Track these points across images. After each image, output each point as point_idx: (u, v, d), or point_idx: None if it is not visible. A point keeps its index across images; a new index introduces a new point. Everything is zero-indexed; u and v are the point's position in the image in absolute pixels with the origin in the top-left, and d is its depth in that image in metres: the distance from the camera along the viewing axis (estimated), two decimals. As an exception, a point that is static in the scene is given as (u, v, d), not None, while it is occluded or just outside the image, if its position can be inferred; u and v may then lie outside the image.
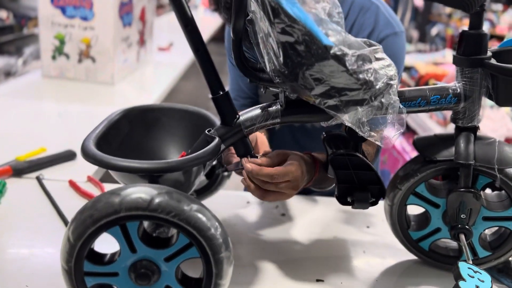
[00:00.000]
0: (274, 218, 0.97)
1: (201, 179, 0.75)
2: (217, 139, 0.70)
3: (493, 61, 0.68)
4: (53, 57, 1.80)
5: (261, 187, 0.73)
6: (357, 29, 0.98)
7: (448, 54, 3.20)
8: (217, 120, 0.79)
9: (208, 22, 4.12)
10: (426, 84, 2.71)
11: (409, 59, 2.93)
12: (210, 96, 0.70)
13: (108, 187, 1.01)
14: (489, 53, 0.68)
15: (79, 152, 1.12)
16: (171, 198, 0.55)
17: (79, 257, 0.57)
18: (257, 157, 0.75)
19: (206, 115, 0.83)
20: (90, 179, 1.05)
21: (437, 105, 0.71)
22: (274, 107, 0.71)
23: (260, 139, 0.86)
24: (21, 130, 1.33)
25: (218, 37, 4.57)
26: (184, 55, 2.55)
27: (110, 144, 0.72)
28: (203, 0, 5.18)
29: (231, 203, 1.02)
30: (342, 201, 0.73)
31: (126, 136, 0.78)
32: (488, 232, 0.82)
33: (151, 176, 0.64)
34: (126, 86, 1.88)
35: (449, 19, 4.67)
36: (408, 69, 2.79)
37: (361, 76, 0.59)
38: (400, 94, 0.69)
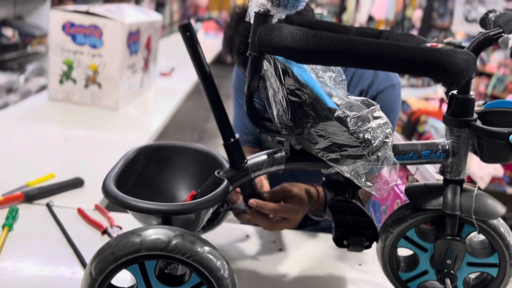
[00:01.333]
0: (271, 253, 1.02)
1: (208, 217, 0.81)
2: (226, 182, 0.76)
3: (478, 122, 0.76)
4: (61, 81, 1.86)
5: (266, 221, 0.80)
6: (357, 80, 1.06)
7: (439, 90, 3.32)
8: (223, 159, 0.86)
9: (208, 46, 4.23)
10: (418, 119, 2.81)
11: (402, 94, 3.04)
12: (222, 142, 0.77)
13: (114, 215, 1.06)
14: (475, 115, 0.76)
15: (86, 180, 1.17)
16: (186, 240, 0.61)
17: (99, 291, 0.62)
18: (262, 197, 0.82)
19: (213, 155, 0.90)
20: (97, 207, 1.10)
21: (428, 159, 0.78)
22: (279, 154, 0.78)
23: (263, 182, 0.93)
24: (29, 154, 1.38)
25: (217, 60, 4.67)
26: (185, 80, 2.63)
27: (127, 182, 0.78)
28: (204, 24, 5.31)
29: (231, 236, 1.07)
30: (339, 243, 0.80)
31: (140, 173, 0.84)
32: (472, 276, 0.88)
33: (165, 216, 0.69)
34: (130, 111, 1.94)
35: (441, 54, 4.82)
36: (400, 103, 2.89)
37: (360, 135, 0.66)
38: (394, 148, 0.76)
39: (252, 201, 0.79)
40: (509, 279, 0.83)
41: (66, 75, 1.85)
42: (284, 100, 0.68)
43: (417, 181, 1.08)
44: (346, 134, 0.66)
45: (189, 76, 2.72)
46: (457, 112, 0.76)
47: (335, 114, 0.64)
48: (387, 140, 0.70)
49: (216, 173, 0.78)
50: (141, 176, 0.84)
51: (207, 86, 0.72)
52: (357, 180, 0.71)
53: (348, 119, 0.65)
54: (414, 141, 0.79)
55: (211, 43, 4.36)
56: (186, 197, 0.81)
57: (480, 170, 2.09)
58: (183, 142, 0.93)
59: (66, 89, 1.87)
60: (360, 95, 1.10)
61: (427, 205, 0.81)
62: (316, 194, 0.88)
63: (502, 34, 0.68)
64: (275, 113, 0.72)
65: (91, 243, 0.94)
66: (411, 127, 2.64)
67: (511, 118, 0.77)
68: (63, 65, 1.84)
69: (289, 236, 1.09)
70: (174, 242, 0.60)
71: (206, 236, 1.00)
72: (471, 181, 1.00)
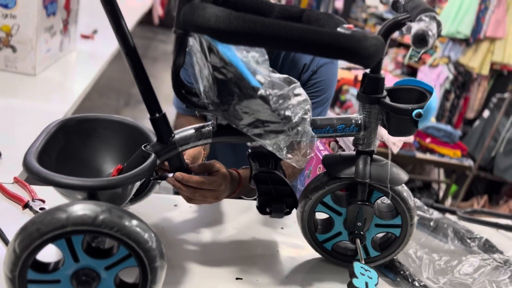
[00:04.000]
0: (200, 221, 1.06)
1: (135, 189, 0.82)
2: (153, 156, 0.78)
3: (387, 99, 0.83)
4: (-32, 43, 1.71)
5: (190, 193, 0.83)
6: (300, 54, 1.11)
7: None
8: (150, 133, 0.87)
9: (135, 6, 4.04)
10: (340, 88, 2.95)
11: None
12: (149, 117, 0.78)
13: (36, 189, 1.04)
14: (384, 93, 0.83)
15: (3, 151, 1.12)
16: (113, 215, 0.63)
17: (24, 267, 0.62)
18: (189, 171, 0.84)
19: (140, 128, 0.90)
20: (17, 180, 1.06)
21: (342, 132, 0.85)
22: (206, 129, 0.80)
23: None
24: None
25: (144, 21, 4.49)
26: (109, 42, 2.51)
27: (49, 157, 0.76)
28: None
29: (160, 205, 1.09)
30: (262, 210, 0.85)
31: (64, 147, 0.83)
32: (378, 236, 0.99)
33: (91, 191, 0.70)
34: (49, 76, 1.84)
35: (365, 24, 5.02)
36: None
37: (281, 112, 0.71)
38: (313, 122, 0.82)
39: (178, 174, 0.81)
40: (410, 238, 0.94)
41: (-26, 36, 1.70)
42: (210, 77, 0.71)
43: (339, 146, 1.16)
44: (269, 112, 0.70)
45: (113, 38, 2.59)
46: (369, 90, 0.83)
47: (258, 93, 0.68)
48: (306, 116, 0.75)
49: (143, 147, 0.79)
50: (65, 150, 0.83)
51: (132, 60, 0.72)
52: (278, 152, 0.76)
53: (270, 97, 0.69)
54: (330, 116, 0.85)
55: (138, 4, 4.17)
56: (112, 171, 0.81)
57: (393, 137, 2.27)
58: (108, 115, 0.92)
59: (-25, 52, 1.72)
60: (303, 69, 1.15)
61: (341, 174, 0.89)
62: (238, 176, 0.94)
63: (409, 20, 0.74)
64: (201, 89, 0.74)
65: (12, 219, 0.91)
66: (334, 96, 2.77)
67: (416, 95, 0.85)
68: (-29, 25, 1.69)
69: (218, 205, 1.13)
70: (101, 217, 0.62)
71: (134, 207, 1.02)
72: (385, 146, 1.10)
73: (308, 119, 0.76)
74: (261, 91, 0.68)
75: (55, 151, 0.80)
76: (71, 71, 2.09)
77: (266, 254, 0.99)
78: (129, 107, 4.06)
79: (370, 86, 0.82)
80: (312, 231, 0.96)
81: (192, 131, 0.80)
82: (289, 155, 0.78)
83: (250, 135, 0.74)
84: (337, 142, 1.38)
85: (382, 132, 0.88)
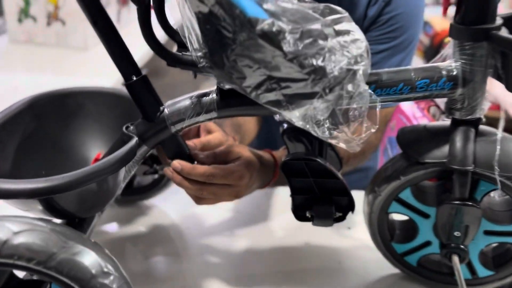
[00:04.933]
0: (233, 220, 0.81)
1: (126, 181, 0.60)
2: (134, 140, 0.54)
3: (504, 32, 0.49)
4: (19, 20, 1.62)
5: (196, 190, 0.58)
6: None
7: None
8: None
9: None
10: (442, 42, 2.46)
11: (424, 13, 2.66)
12: (123, 82, 0.54)
13: None
14: (498, 21, 0.49)
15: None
16: (36, 239, 0.40)
17: None
18: (193, 160, 0.59)
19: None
20: None
21: (426, 92, 0.53)
22: (208, 98, 0.54)
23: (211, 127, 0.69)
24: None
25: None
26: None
27: (5, 148, 0.57)
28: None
29: (182, 200, 0.86)
30: (299, 215, 0.58)
31: (34, 133, 0.63)
32: (491, 247, 0.65)
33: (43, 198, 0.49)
34: (102, 51, 1.70)
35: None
36: (422, 24, 2.53)
37: (306, 61, 0.42)
38: (375, 79, 0.52)
39: (176, 163, 0.56)
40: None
41: (25, 12, 1.61)
42: (191, 12, 0.44)
43: (442, 112, 0.82)
44: (284, 62, 0.42)
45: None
46: (471, 17, 0.49)
47: (258, 27, 0.39)
48: (355, 68, 0.45)
49: (124, 128, 0.56)
50: (36, 137, 0.63)
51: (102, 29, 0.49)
52: (313, 129, 0.47)
53: (282, 35, 0.40)
54: (404, 67, 0.53)
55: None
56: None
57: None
58: (100, 87, 0.70)
59: (27, 29, 1.64)
60: (370, 1, 0.81)
61: (426, 158, 0.57)
62: (273, 161, 0.65)
63: None
64: (186, 34, 0.48)
65: None
66: (434, 51, 2.29)
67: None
68: (19, 1, 1.60)
69: (256, 195, 0.87)
70: (15, 242, 0.39)
71: (150, 202, 0.80)
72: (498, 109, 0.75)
73: (361, 72, 0.46)
74: (263, 25, 0.39)
75: (16, 138, 0.60)
76: (129, 44, 1.94)
77: (323, 268, 0.71)
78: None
79: (474, 11, 0.49)
80: (386, 240, 0.66)
81: (188, 101, 0.54)
82: (335, 133, 0.49)
83: (263, 103, 0.46)
84: (438, 106, 1.03)
85: (494, 88, 0.54)
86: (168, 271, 0.69)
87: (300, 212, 0.57)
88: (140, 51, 1.77)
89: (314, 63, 0.42)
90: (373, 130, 0.49)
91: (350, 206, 0.57)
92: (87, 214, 0.57)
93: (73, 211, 0.54)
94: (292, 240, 0.76)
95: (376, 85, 0.52)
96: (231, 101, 0.52)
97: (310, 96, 0.45)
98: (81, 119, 0.68)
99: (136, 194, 0.80)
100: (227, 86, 0.50)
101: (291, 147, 0.62)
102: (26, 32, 1.66)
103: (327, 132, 0.48)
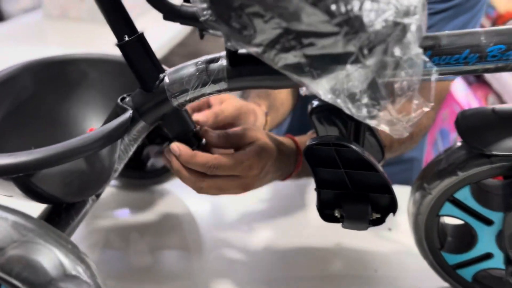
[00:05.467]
0: (256, 214, 0.71)
1: (124, 161, 0.51)
2: (129, 113, 0.45)
3: None
4: (54, -6, 1.59)
5: (194, 182, 0.48)
6: None
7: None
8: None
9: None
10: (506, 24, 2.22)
11: (487, -6, 2.42)
12: (115, 43, 0.45)
13: None
14: None
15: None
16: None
17: None
18: (200, 140, 0.50)
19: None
20: None
21: (500, 62, 0.40)
22: (217, 63, 0.44)
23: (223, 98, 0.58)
24: None
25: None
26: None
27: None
28: None
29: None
30: (325, 215, 0.46)
31: (27, 102, 0.55)
32: None
33: (16, 178, 0.40)
34: (140, 26, 1.64)
35: None
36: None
37: (336, 7, 0.30)
38: (431, 43, 0.39)
39: (174, 146, 0.47)
40: None
41: (59, -14, 1.57)
42: None
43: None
44: (306, 6, 0.31)
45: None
46: None
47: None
48: (405, 21, 0.33)
49: (119, 100, 0.47)
50: (28, 106, 0.55)
51: None
52: (346, 105, 0.36)
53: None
54: (472, 29, 0.41)
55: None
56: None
57: None
58: (106, 54, 0.61)
59: (62, 3, 1.60)
60: None
61: (493, 149, 0.44)
62: (295, 148, 0.54)
63: None
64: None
65: None
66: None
67: None
68: (54, -26, 1.56)
69: (282, 186, 0.77)
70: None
71: (164, 188, 0.72)
72: None
73: (413, 29, 0.34)
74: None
75: (3, 109, 0.52)
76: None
77: (356, 276, 0.60)
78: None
79: None
80: (434, 248, 0.54)
81: (192, 68, 0.44)
82: (373, 113, 0.37)
83: (278, 69, 0.35)
84: (498, 94, 0.88)
85: None
86: (174, 267, 0.61)
87: (327, 210, 0.46)
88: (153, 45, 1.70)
89: (348, 9, 0.30)
90: (426, 109, 0.37)
91: (391, 206, 0.45)
92: (76, 199, 0.49)
93: (57, 195, 0.46)
94: (320, 241, 0.65)
95: (433, 50, 0.40)
96: (244, 69, 0.42)
97: (342, 58, 0.33)
98: (83, 89, 0.60)
99: (148, 178, 0.72)
100: (232, 47, 0.39)
101: (321, 130, 0.51)
102: (60, 6, 1.63)
103: (364, 110, 0.37)
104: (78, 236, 0.62)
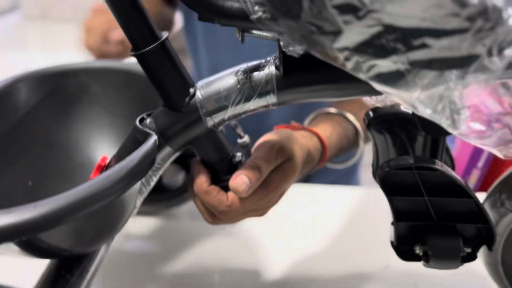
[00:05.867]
0: (284, 217, 0.62)
1: (144, 196, 0.42)
2: (153, 139, 0.35)
3: None
4: (33, -7, 1.47)
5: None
6: None
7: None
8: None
9: None
10: None
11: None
12: (131, 53, 0.35)
13: None
14: None
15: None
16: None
17: None
18: (236, 167, 0.41)
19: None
20: None
21: None
22: (264, 72, 0.35)
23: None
24: None
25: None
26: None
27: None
28: None
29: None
30: (404, 253, 0.38)
31: (18, 126, 0.45)
32: None
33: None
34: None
35: None
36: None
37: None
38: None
39: (195, 168, 0.39)
40: None
41: (37, -16, 1.45)
42: None
43: None
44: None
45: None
46: None
47: None
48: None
49: (137, 121, 0.38)
50: (19, 132, 0.45)
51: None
52: (453, 127, 0.27)
53: None
54: None
55: None
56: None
57: None
58: (111, 62, 0.52)
59: (42, 3, 1.48)
60: None
61: None
62: (321, 148, 0.46)
63: None
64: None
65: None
66: None
67: None
68: (31, -29, 1.44)
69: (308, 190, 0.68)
70: None
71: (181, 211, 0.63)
72: None
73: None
74: None
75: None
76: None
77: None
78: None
79: None
80: (512, 272, 0.46)
81: (232, 79, 0.35)
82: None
83: (367, 80, 0.26)
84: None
85: None
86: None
87: (405, 246, 0.37)
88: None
89: (487, -3, 0.21)
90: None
91: (483, 237, 0.37)
92: (87, 249, 0.39)
93: (66, 247, 0.36)
94: (367, 263, 0.57)
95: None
96: (299, 77, 0.33)
97: (460, 63, 0.24)
98: (85, 106, 0.50)
99: (161, 201, 0.62)
100: (296, 52, 0.30)
101: (380, 142, 0.42)
102: (40, 6, 1.51)
103: (466, 127, 0.28)
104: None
